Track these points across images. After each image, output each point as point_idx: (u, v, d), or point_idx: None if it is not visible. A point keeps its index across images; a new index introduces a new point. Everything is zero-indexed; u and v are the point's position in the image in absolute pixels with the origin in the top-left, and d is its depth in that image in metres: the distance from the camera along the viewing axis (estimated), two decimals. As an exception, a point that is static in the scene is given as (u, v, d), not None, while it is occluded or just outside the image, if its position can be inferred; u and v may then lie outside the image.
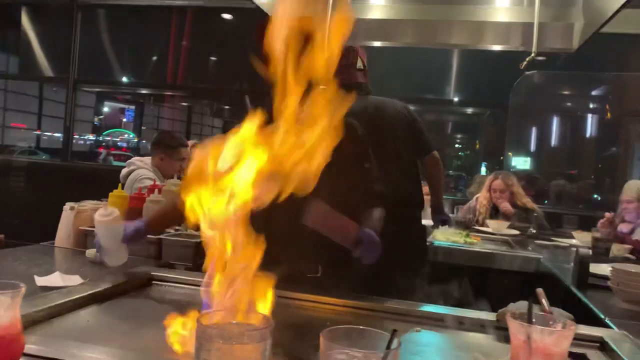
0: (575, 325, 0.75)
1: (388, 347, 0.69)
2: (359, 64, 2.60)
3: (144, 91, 9.15)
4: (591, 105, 7.35)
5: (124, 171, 3.58)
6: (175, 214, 1.63)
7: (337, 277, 1.72)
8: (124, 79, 8.66)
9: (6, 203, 5.59)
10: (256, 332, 0.72)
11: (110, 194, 2.27)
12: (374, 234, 1.74)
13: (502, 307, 1.55)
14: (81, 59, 6.53)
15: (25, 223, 4.42)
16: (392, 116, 2.70)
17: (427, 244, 3.23)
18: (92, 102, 12.03)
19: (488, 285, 2.94)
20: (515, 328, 0.73)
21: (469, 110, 8.41)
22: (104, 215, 1.67)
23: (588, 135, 7.40)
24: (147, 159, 3.64)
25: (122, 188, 3.41)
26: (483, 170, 8.33)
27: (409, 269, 2.34)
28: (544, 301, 1.58)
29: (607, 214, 3.31)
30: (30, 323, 1.20)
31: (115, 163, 9.83)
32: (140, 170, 3.49)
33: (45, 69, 8.04)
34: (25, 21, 7.80)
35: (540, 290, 1.66)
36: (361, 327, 0.74)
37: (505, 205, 4.12)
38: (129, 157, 3.99)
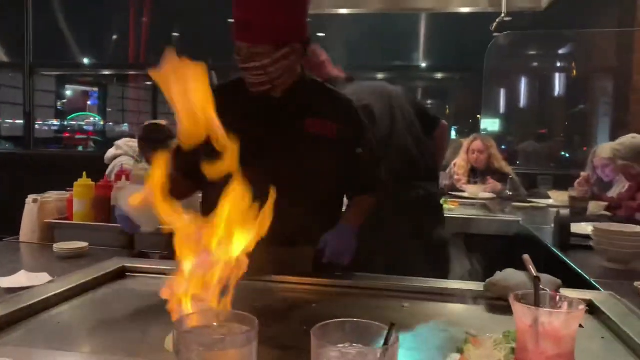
0: (583, 305, 0.70)
1: (386, 342, 0.63)
2: (323, 58, 2.53)
3: (106, 72, 8.81)
4: (558, 64, 7.39)
5: (109, 153, 3.50)
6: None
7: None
8: (85, 61, 8.33)
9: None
10: (240, 336, 0.66)
11: (75, 183, 2.15)
12: (344, 232, 1.66)
13: (488, 274, 1.52)
14: (36, 42, 6.23)
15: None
16: (397, 97, 2.63)
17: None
18: (53, 86, 11.59)
19: (471, 251, 2.91)
20: (521, 312, 0.68)
21: (439, 76, 8.36)
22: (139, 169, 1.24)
23: (556, 94, 7.46)
24: (135, 144, 3.52)
25: (107, 170, 3.34)
26: (453, 134, 8.32)
27: (429, 246, 2.35)
28: (532, 268, 1.55)
29: (583, 174, 3.32)
30: (-6, 331, 1.11)
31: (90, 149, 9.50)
32: (124, 157, 3.42)
33: (-1, 54, 7.67)
34: (-28, 4, 7.39)
35: (526, 257, 1.62)
36: (355, 319, 0.68)
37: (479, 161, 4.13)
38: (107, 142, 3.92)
